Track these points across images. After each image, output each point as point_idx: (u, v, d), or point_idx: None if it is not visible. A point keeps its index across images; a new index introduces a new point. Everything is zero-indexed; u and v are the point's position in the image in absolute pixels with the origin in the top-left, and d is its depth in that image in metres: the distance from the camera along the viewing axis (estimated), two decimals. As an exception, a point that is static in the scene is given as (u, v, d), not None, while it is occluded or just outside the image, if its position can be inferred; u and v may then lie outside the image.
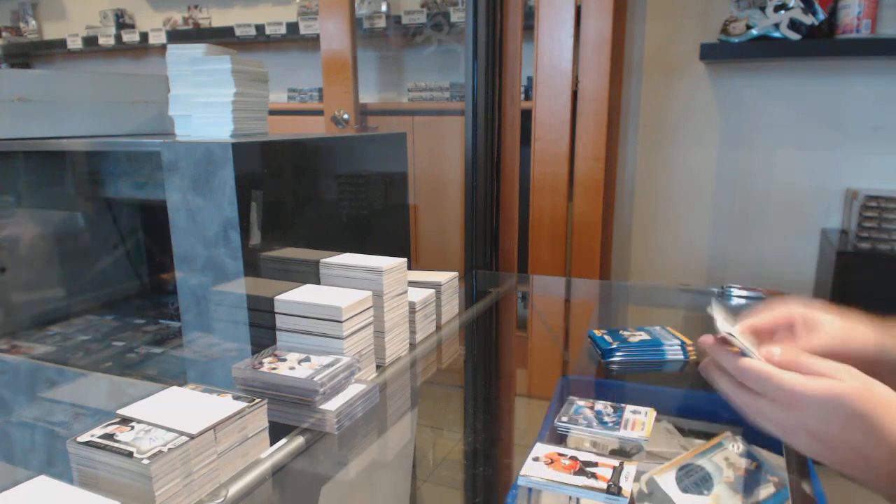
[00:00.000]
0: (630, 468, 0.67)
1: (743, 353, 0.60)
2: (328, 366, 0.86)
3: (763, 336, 0.66)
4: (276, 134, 1.22)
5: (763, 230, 2.22)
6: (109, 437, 0.67)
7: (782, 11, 1.88)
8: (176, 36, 3.39)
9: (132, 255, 1.66)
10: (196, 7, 3.42)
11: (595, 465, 0.67)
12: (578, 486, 0.64)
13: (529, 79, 2.18)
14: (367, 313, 0.96)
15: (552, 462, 0.68)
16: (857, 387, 0.53)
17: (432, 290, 1.20)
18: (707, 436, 0.83)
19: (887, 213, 1.79)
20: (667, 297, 1.62)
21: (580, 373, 1.11)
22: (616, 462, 0.68)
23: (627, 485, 0.64)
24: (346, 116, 2.49)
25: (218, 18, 3.42)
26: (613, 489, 0.63)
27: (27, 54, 3.95)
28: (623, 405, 0.84)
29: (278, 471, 0.76)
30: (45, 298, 1.46)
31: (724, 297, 1.47)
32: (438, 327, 1.22)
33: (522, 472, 0.66)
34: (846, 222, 2.01)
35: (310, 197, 1.17)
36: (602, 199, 1.99)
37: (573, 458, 0.68)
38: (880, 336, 0.64)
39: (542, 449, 0.70)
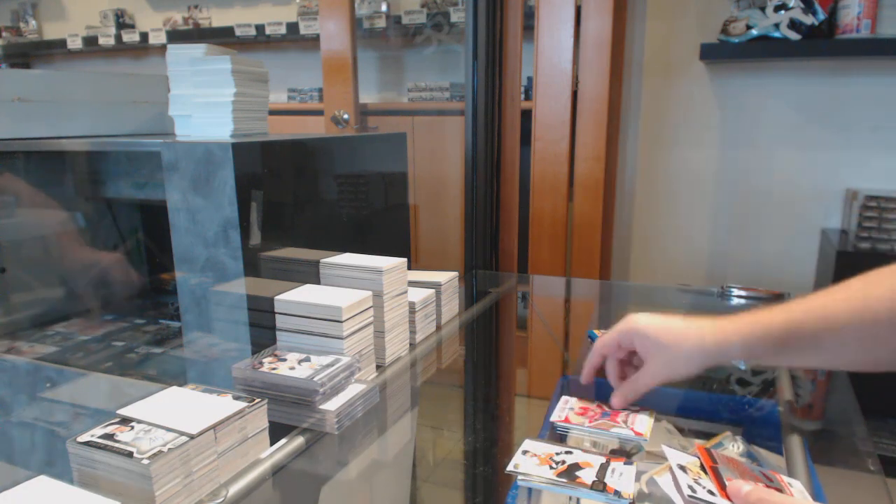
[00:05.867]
0: (630, 468, 0.67)
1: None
2: (328, 366, 0.86)
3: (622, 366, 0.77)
4: (276, 134, 1.22)
5: (763, 230, 2.22)
6: (109, 437, 0.67)
7: (782, 11, 1.88)
8: (176, 36, 3.39)
9: (132, 255, 1.66)
10: (196, 7, 3.42)
11: (593, 465, 0.67)
12: (578, 486, 0.64)
13: (529, 79, 2.18)
14: (367, 313, 0.96)
15: (540, 459, 0.68)
16: None
17: (432, 290, 1.20)
18: (707, 436, 0.83)
19: (887, 213, 1.79)
20: (667, 297, 1.62)
21: (580, 373, 1.11)
22: (615, 462, 0.68)
23: (627, 485, 0.64)
24: (346, 116, 2.49)
25: (218, 18, 3.42)
26: (613, 489, 0.63)
27: (27, 54, 3.95)
28: (623, 405, 0.84)
29: (278, 471, 0.76)
30: (45, 298, 1.46)
31: (724, 296, 1.47)
32: (438, 327, 1.22)
33: (509, 467, 0.66)
34: (846, 222, 2.01)
35: (310, 197, 1.17)
36: (602, 199, 1.99)
37: (562, 460, 0.68)
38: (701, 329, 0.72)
39: (532, 445, 0.70)
